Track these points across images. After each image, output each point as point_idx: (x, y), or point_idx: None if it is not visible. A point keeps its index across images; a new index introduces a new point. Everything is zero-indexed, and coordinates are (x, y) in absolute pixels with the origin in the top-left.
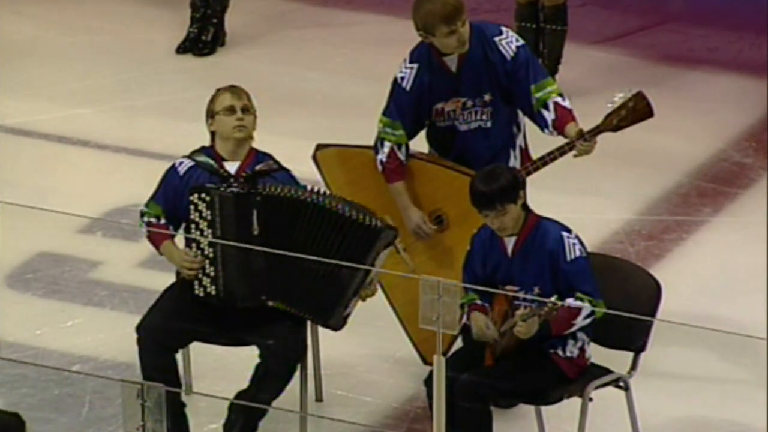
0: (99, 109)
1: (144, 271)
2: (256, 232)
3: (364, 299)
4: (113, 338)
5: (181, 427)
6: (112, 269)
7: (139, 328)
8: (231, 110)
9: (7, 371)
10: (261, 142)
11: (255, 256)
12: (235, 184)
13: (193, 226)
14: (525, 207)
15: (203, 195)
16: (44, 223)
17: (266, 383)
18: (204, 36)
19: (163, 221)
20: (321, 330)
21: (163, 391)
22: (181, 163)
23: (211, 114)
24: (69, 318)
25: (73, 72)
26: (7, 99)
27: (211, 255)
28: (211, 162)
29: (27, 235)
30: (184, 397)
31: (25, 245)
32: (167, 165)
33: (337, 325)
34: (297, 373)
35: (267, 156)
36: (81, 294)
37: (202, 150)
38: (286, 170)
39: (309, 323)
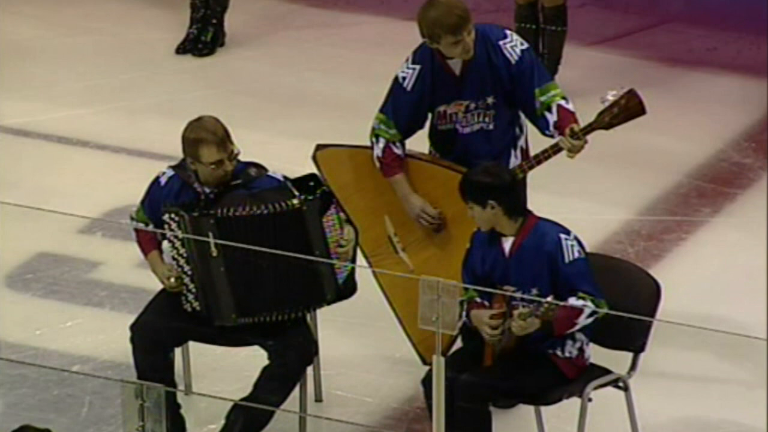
0: (99, 109)
1: (144, 272)
2: (214, 254)
3: (343, 246)
4: (113, 338)
5: (177, 428)
6: (111, 269)
7: (133, 327)
8: (219, 164)
9: (7, 371)
10: (261, 142)
11: (221, 276)
12: (203, 201)
13: (170, 244)
14: (523, 209)
15: (173, 215)
16: (44, 224)
17: (275, 384)
18: (204, 36)
19: (151, 226)
20: (320, 330)
21: (163, 391)
22: (164, 173)
23: (193, 157)
24: (69, 318)
25: (73, 72)
26: (7, 99)
27: (189, 272)
28: (188, 173)
29: (27, 235)
30: (180, 398)
31: (25, 245)
32: (167, 165)
33: (340, 293)
34: None
35: (249, 165)
36: (81, 294)
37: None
38: (265, 172)
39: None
